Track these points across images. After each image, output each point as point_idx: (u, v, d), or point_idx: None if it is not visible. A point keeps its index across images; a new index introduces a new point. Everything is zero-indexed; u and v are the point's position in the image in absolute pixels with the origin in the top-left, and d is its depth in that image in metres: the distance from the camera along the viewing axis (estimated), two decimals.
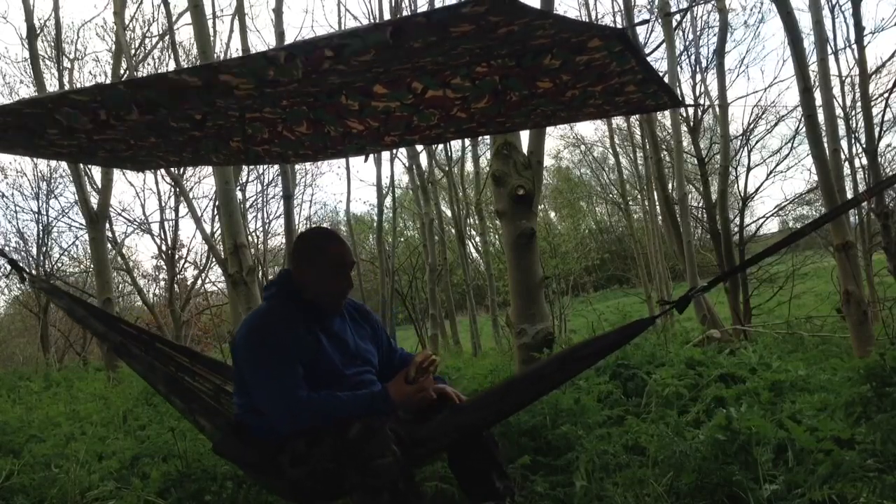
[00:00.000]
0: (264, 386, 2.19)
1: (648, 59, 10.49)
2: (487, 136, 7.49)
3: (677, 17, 9.47)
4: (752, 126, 11.80)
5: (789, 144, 12.64)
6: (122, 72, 9.29)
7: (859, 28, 7.96)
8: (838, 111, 8.87)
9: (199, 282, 16.34)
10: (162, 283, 16.01)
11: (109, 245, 12.28)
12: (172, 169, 7.69)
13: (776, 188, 57.85)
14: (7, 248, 15.52)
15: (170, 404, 2.64)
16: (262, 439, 2.23)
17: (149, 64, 12.76)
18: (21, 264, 2.97)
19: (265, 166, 13.62)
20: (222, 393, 2.68)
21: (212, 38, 8.01)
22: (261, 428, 2.25)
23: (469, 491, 2.37)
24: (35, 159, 13.02)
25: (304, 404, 2.13)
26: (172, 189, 13.56)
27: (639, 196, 15.36)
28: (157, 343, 2.81)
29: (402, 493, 1.98)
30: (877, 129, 8.44)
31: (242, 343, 2.28)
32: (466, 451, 2.33)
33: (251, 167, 13.80)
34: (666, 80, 7.89)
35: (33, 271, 15.09)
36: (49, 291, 2.97)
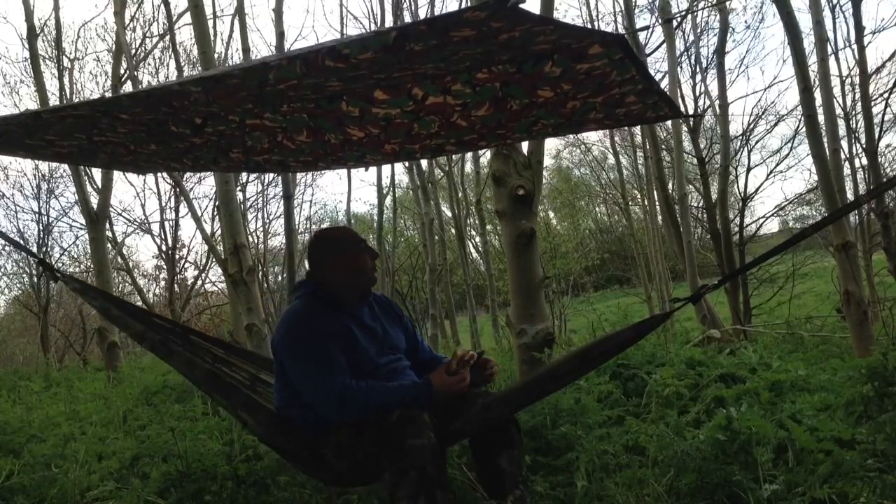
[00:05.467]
0: (311, 379, 2.27)
1: (649, 60, 10.45)
2: None
3: (678, 17, 9.47)
4: (752, 126, 11.79)
5: (789, 144, 12.65)
6: (122, 72, 9.28)
7: (859, 28, 7.96)
8: (838, 111, 8.87)
9: (199, 282, 16.36)
10: (162, 283, 16.02)
11: (109, 245, 12.28)
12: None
13: (776, 188, 57.92)
14: (8, 248, 15.53)
15: (211, 400, 2.67)
16: (305, 433, 2.32)
17: (149, 64, 12.78)
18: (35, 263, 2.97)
19: None
20: (258, 382, 2.75)
21: (212, 39, 8.01)
22: (303, 421, 2.33)
23: (482, 476, 2.45)
24: (35, 160, 13.00)
25: (353, 392, 2.22)
26: (172, 189, 13.57)
27: (639, 196, 15.35)
28: (191, 336, 2.83)
29: (429, 476, 2.04)
30: (877, 129, 8.43)
31: (283, 341, 2.36)
32: (486, 437, 2.41)
33: None
34: (666, 81, 7.93)
35: (33, 271, 15.11)
36: (82, 292, 2.97)
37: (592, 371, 3.40)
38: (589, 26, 10.76)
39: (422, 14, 9.77)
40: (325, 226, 19.35)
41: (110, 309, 2.80)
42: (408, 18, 9.54)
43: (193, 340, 2.79)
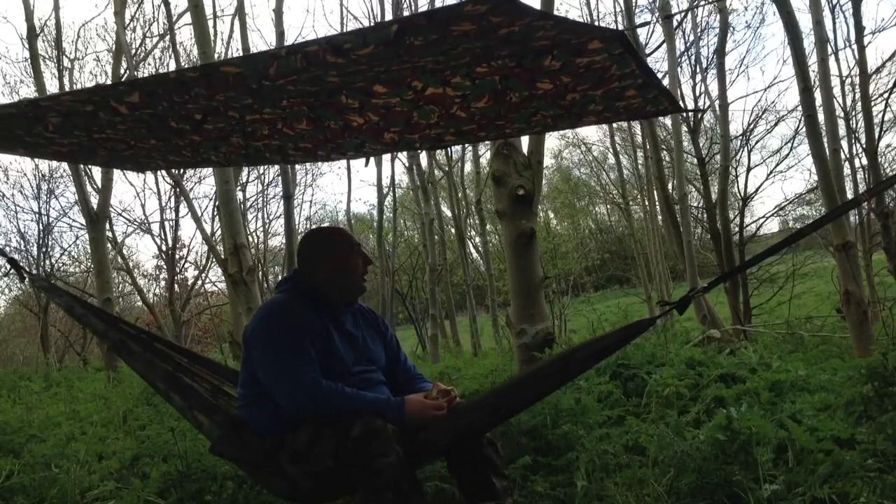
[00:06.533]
0: (279, 369, 2.19)
1: (649, 59, 10.48)
2: None
3: (678, 17, 9.47)
4: (752, 126, 11.81)
5: (789, 144, 12.69)
6: (122, 72, 9.29)
7: (859, 28, 7.98)
8: (838, 111, 8.88)
9: (199, 282, 16.36)
10: (162, 283, 16.02)
11: (109, 245, 12.28)
12: (173, 169, 7.71)
13: (776, 188, 58.06)
14: (8, 248, 15.54)
15: (168, 402, 2.65)
16: (261, 436, 2.24)
17: (149, 64, 12.78)
18: (20, 264, 2.98)
19: (265, 166, 13.63)
20: (220, 393, 2.69)
21: (212, 39, 8.01)
22: (260, 424, 2.26)
23: (467, 491, 2.36)
24: (35, 159, 13.03)
25: (322, 390, 2.15)
26: (172, 189, 13.58)
27: (639, 196, 15.37)
28: (155, 343, 2.80)
29: (405, 493, 1.99)
30: (877, 129, 8.45)
31: (257, 329, 2.30)
32: (465, 452, 2.33)
33: (251, 167, 13.82)
34: (666, 80, 7.93)
35: (34, 271, 15.12)
36: (49, 290, 3.01)
37: (577, 377, 3.34)
38: None
39: None
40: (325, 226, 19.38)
41: (75, 308, 2.82)
42: None
43: (157, 348, 2.75)
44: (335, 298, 2.40)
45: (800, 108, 6.51)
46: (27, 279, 2.95)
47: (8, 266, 3.06)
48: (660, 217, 12.22)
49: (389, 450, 2.00)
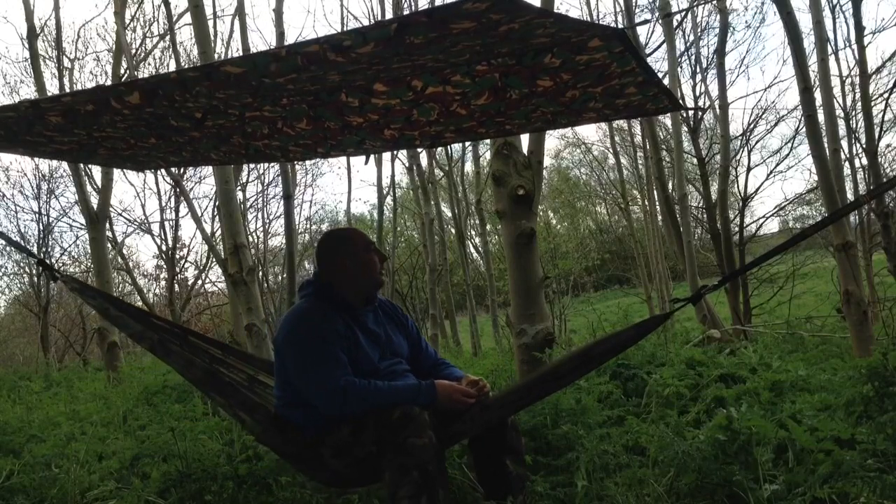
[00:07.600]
0: (313, 375, 2.27)
1: (649, 59, 10.45)
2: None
3: (678, 17, 9.46)
4: (752, 126, 11.80)
5: (789, 144, 12.68)
6: (122, 72, 9.28)
7: (859, 28, 7.95)
8: (838, 111, 8.87)
9: (199, 282, 16.36)
10: (162, 283, 16.01)
11: (109, 245, 12.27)
12: (172, 169, 7.71)
13: (776, 188, 58.01)
14: (8, 248, 15.54)
15: (210, 399, 2.68)
16: (303, 433, 2.34)
17: (149, 64, 12.77)
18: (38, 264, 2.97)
19: (265, 166, 13.64)
20: (256, 383, 2.77)
21: (212, 39, 8.00)
22: (301, 421, 2.35)
23: (483, 476, 2.44)
24: (35, 159, 13.02)
25: (355, 388, 2.22)
26: (172, 189, 13.56)
27: (639, 196, 15.37)
28: (189, 336, 2.84)
29: (431, 474, 2.06)
30: (877, 129, 8.44)
31: (285, 338, 2.38)
32: (487, 438, 2.42)
33: (251, 167, 13.82)
34: (666, 80, 7.92)
35: (33, 271, 15.12)
36: (81, 291, 2.98)
37: (592, 371, 3.38)
38: None
39: None
40: (325, 226, 19.41)
41: (109, 309, 2.81)
42: None
43: (192, 341, 2.79)
44: (355, 298, 2.47)
45: (800, 108, 6.51)
46: (59, 279, 2.93)
47: (40, 268, 3.05)
48: (660, 217, 12.21)
49: (423, 433, 2.09)
